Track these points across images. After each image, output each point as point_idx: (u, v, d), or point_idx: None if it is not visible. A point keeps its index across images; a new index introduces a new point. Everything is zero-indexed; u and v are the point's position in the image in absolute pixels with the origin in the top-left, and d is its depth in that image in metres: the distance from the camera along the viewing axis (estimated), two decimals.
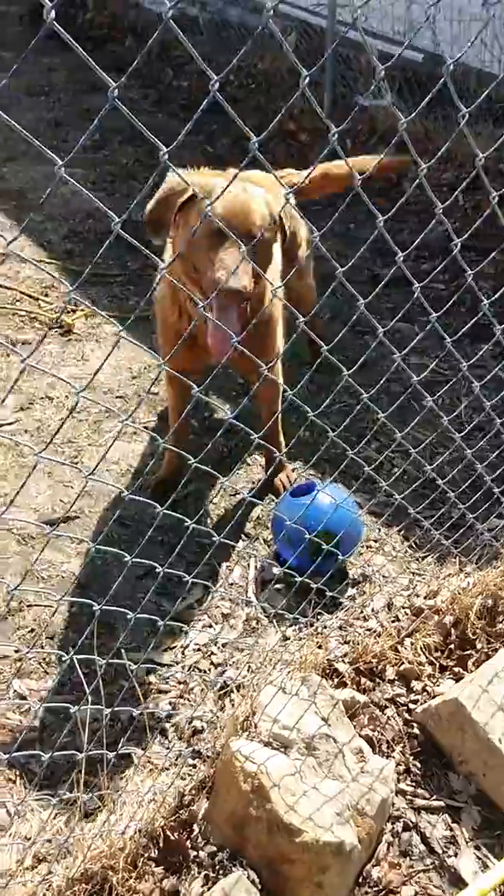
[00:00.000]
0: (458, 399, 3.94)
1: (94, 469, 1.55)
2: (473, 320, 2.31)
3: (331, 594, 2.61)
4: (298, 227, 2.74)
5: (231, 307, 2.41)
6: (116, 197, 5.63)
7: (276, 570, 2.94)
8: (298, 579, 2.32)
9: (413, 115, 1.60)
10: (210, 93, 1.23)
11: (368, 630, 2.69)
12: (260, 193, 2.53)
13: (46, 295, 4.55)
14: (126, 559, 1.65)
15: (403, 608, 2.75)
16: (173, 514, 1.80)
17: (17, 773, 2.35)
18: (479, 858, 2.10)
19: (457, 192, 2.06)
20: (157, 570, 1.76)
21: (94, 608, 1.66)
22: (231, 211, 2.37)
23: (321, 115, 1.39)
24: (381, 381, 2.29)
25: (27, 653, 2.61)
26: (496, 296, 2.30)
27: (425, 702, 2.41)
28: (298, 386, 2.02)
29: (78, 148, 1.26)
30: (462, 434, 2.44)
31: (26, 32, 8.39)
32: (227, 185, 1.51)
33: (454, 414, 2.89)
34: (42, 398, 3.86)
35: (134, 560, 1.67)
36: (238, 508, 3.32)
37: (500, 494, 2.64)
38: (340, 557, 2.56)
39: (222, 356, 2.35)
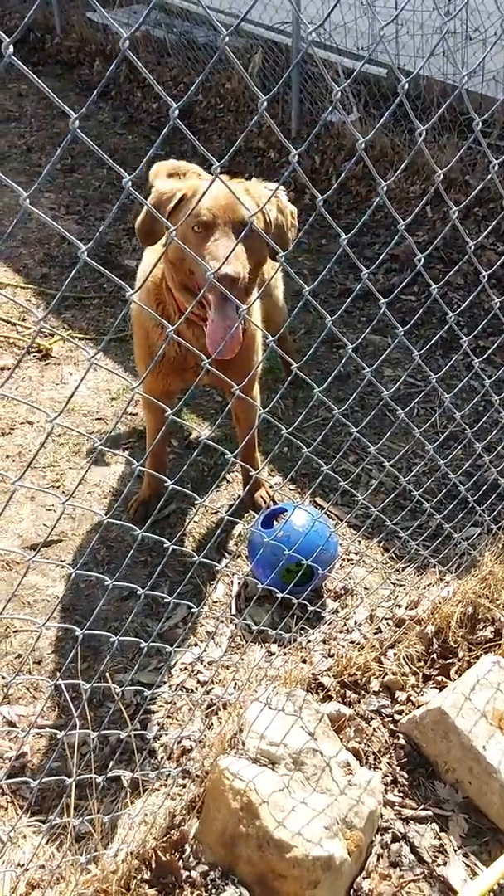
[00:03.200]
0: (433, 409, 3.98)
1: (72, 494, 1.56)
2: (439, 334, 2.33)
3: (313, 608, 2.63)
4: (286, 223, 2.59)
5: (228, 302, 2.31)
6: (90, 220, 5.66)
7: (259, 586, 2.96)
8: (280, 595, 2.34)
9: (370, 134, 1.63)
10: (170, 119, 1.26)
11: (352, 643, 2.71)
12: (247, 186, 2.52)
13: (23, 319, 4.56)
14: (107, 583, 1.66)
15: (385, 619, 2.77)
16: (152, 535, 1.81)
17: (8, 799, 2.35)
18: (468, 866, 2.11)
19: (420, 205, 2.09)
20: (138, 592, 1.77)
21: (77, 633, 1.66)
22: (218, 203, 2.31)
23: (281, 138, 1.42)
24: (354, 396, 2.32)
25: (14, 679, 2.61)
26: (462, 306, 2.34)
27: (410, 712, 2.43)
28: (271, 404, 2.05)
29: (45, 176, 1.28)
30: (435, 444, 2.48)
31: None
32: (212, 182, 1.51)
33: (427, 424, 2.92)
34: (23, 423, 3.87)
35: (116, 583, 1.69)
36: (219, 526, 3.34)
37: (475, 503, 2.67)
38: (315, 580, 2.58)
39: (221, 353, 2.29)
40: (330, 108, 1.78)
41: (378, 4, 5.81)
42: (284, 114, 6.54)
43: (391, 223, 5.39)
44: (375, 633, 2.72)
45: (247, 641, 2.83)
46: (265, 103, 1.38)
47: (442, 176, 1.82)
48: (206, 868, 2.06)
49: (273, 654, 2.73)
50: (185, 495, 3.27)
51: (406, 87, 1.61)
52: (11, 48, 1.06)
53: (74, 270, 1.29)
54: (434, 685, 2.54)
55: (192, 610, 2.92)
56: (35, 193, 5.72)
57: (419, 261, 1.89)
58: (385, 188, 1.71)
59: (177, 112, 1.26)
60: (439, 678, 2.55)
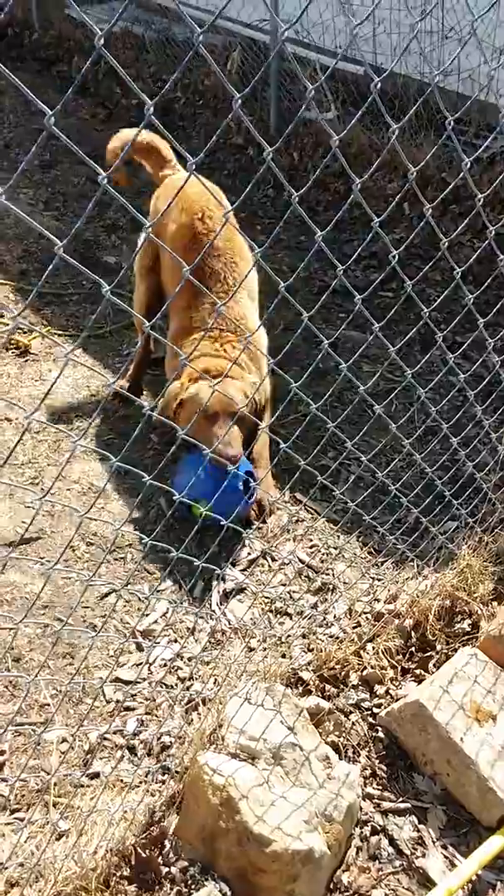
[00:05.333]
0: (412, 405, 4.01)
1: (48, 491, 1.56)
2: (414, 329, 2.35)
3: (293, 602, 2.63)
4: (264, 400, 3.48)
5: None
6: (69, 217, 5.64)
7: (240, 579, 2.96)
8: (256, 591, 2.34)
9: (345, 132, 1.64)
10: (146, 115, 1.26)
11: (331, 637, 2.72)
12: (238, 386, 3.17)
13: (1, 316, 4.53)
14: (86, 580, 1.66)
15: (364, 613, 2.79)
16: (130, 532, 1.81)
17: None
18: (447, 857, 2.13)
19: (394, 203, 2.11)
20: (118, 590, 1.77)
21: (56, 629, 1.66)
22: (219, 402, 3.04)
23: (256, 135, 1.42)
24: (331, 391, 2.33)
25: None
26: (436, 303, 2.35)
27: (388, 705, 2.44)
28: (247, 399, 2.05)
29: (22, 173, 1.28)
30: (412, 439, 2.49)
31: None
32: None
33: (405, 419, 2.94)
34: (1, 420, 3.85)
35: (95, 580, 1.69)
36: (197, 522, 3.33)
37: (452, 497, 2.69)
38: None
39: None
40: (304, 106, 1.79)
41: (355, 3, 5.82)
42: (264, 111, 6.54)
43: (370, 220, 5.40)
44: (354, 628, 2.73)
45: (227, 637, 2.83)
46: (240, 101, 1.39)
47: (416, 173, 1.84)
48: (185, 864, 2.06)
49: (253, 649, 2.74)
50: (164, 492, 3.28)
51: (379, 85, 1.62)
52: None
53: (51, 267, 1.29)
54: (412, 678, 2.56)
55: (173, 606, 2.92)
56: (12, 190, 5.67)
57: (393, 257, 1.91)
58: (359, 185, 1.72)
59: (151, 109, 1.26)
60: (418, 671, 2.57)
